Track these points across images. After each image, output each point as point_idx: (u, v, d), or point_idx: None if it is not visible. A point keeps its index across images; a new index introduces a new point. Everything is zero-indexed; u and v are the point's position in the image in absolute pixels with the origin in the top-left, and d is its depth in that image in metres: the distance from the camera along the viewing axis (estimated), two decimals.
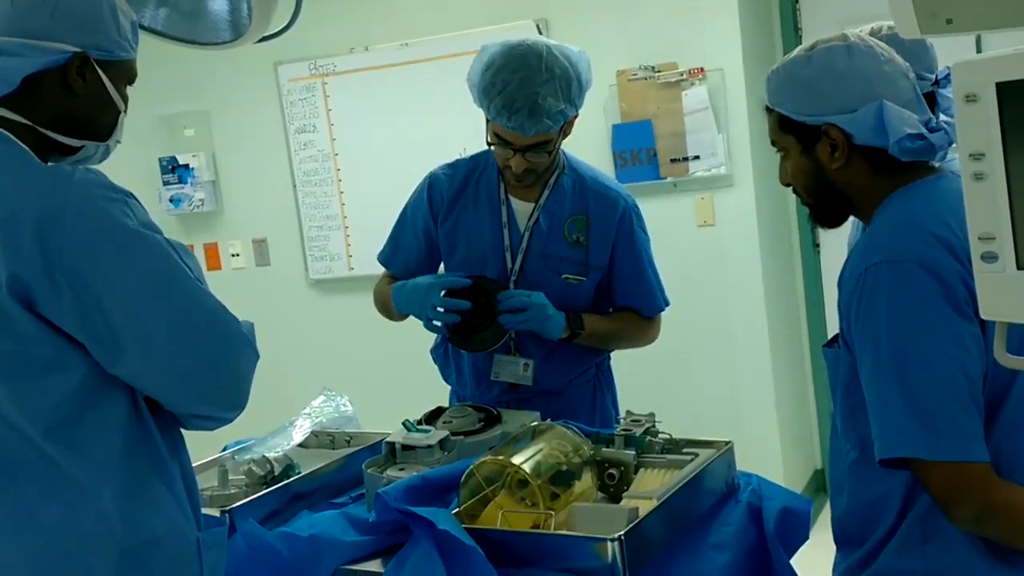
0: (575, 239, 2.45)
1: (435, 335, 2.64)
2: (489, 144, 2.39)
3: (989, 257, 1.01)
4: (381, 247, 2.66)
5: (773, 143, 1.67)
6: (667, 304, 2.57)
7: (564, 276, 2.45)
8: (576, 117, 2.38)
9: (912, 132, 1.51)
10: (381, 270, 2.67)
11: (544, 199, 2.46)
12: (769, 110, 1.65)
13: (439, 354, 2.67)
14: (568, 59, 2.30)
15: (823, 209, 1.67)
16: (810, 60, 1.59)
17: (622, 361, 2.67)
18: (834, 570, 1.67)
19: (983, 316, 1.05)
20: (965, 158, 1.00)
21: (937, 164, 1.60)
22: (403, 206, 2.61)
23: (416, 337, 2.69)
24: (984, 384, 1.44)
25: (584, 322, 2.43)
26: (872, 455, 1.47)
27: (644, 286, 2.52)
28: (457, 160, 2.58)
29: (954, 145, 1.27)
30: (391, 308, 2.51)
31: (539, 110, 2.25)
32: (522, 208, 2.48)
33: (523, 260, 2.45)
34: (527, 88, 2.24)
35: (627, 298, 2.52)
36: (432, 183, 2.54)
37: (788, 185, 1.68)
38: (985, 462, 1.41)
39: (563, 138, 2.40)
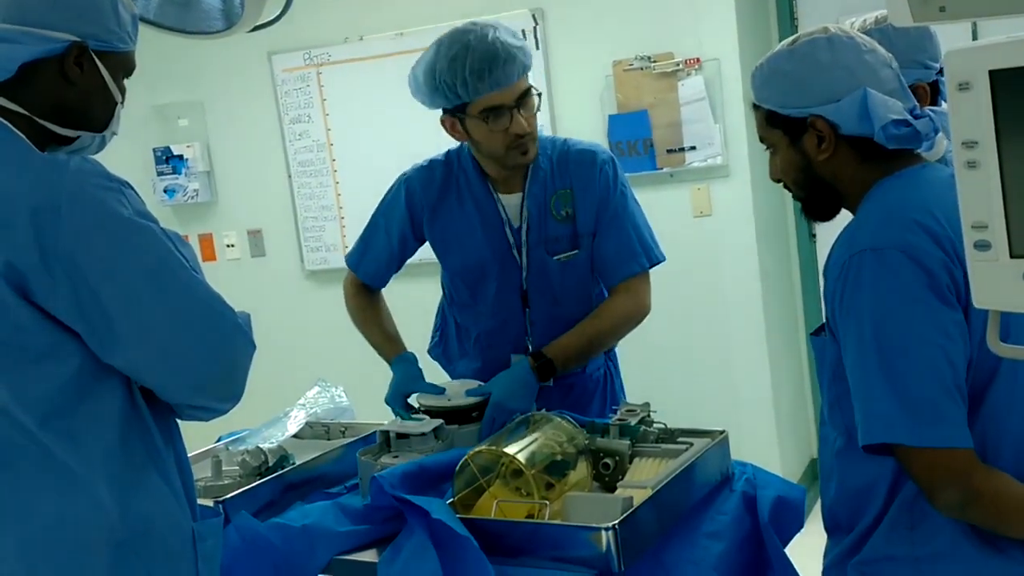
0: (564, 214, 2.41)
1: (430, 333, 2.65)
2: (472, 139, 2.35)
3: (982, 245, 1.01)
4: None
5: (762, 140, 1.68)
6: (658, 261, 2.46)
7: (556, 257, 2.42)
8: (540, 95, 2.35)
9: (897, 118, 1.52)
10: None
11: (528, 185, 2.41)
12: (756, 107, 1.66)
13: (438, 353, 2.66)
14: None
15: (814, 202, 1.67)
16: (792, 54, 1.60)
17: (618, 350, 2.67)
18: (824, 557, 1.67)
19: (976, 305, 1.05)
20: (958, 146, 1.00)
21: (935, 158, 1.61)
22: (375, 210, 2.56)
23: (411, 328, 2.68)
24: (968, 371, 1.45)
25: (548, 353, 2.34)
26: (858, 442, 1.47)
27: (624, 237, 2.42)
28: (431, 160, 2.53)
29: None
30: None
31: (507, 50, 2.24)
32: (511, 201, 2.43)
33: (527, 253, 2.42)
34: (485, 43, 2.24)
35: (607, 258, 2.42)
36: (409, 187, 2.49)
37: (778, 181, 1.69)
38: (968, 448, 1.42)
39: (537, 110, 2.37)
